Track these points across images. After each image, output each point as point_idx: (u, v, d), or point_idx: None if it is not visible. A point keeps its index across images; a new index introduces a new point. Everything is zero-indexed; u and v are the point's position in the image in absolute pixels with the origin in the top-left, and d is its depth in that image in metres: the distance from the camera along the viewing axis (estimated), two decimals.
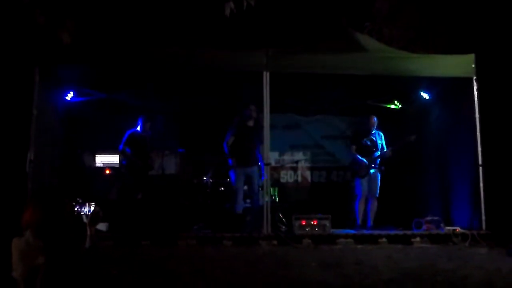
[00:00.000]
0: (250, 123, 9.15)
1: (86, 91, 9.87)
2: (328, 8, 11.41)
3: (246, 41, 8.68)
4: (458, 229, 8.23)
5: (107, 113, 10.42)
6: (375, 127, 9.57)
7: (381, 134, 9.69)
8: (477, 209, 8.30)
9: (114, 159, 10.29)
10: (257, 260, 6.54)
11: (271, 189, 9.08)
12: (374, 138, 9.51)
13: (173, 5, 10.32)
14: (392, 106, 11.08)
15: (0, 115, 7.97)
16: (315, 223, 8.25)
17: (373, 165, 9.33)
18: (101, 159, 10.57)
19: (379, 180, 9.39)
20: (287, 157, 11.54)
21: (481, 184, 8.26)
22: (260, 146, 8.84)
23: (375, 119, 9.58)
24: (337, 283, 5.28)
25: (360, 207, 9.28)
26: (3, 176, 7.71)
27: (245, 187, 9.26)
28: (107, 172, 10.45)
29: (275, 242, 7.89)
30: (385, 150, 9.47)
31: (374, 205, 9.28)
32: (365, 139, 9.47)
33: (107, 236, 7.67)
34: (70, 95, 9.64)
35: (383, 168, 9.37)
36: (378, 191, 9.33)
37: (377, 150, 9.45)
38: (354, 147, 9.53)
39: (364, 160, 9.31)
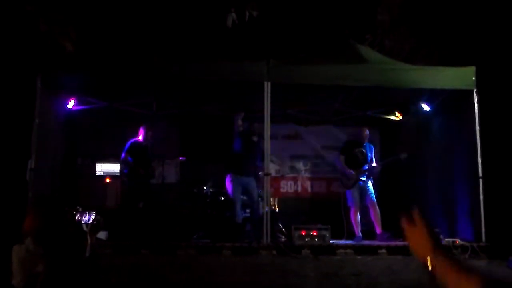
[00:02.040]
0: (254, 138, 9.18)
1: (87, 99, 9.89)
2: (329, 19, 11.46)
3: (248, 52, 8.72)
4: (457, 241, 8.22)
5: (109, 122, 10.44)
6: (367, 139, 9.61)
7: (372, 147, 9.73)
8: (477, 221, 8.29)
9: (115, 167, 10.29)
10: (257, 269, 6.54)
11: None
12: (365, 151, 9.53)
13: (175, 15, 10.37)
14: (393, 118, 11.10)
15: (2, 123, 8.00)
16: (315, 233, 8.24)
17: (361, 177, 9.34)
18: (101, 168, 10.58)
19: (372, 187, 9.40)
20: (287, 167, 11.54)
21: (481, 197, 8.26)
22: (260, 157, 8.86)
23: (368, 131, 9.61)
24: None
25: (356, 218, 9.28)
26: (3, 184, 7.72)
27: (244, 197, 9.29)
28: (108, 180, 10.46)
29: (274, 252, 7.88)
30: (374, 165, 9.49)
31: (376, 212, 9.25)
32: (355, 151, 9.49)
33: (107, 245, 7.68)
34: (71, 103, 9.66)
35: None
36: (374, 198, 9.33)
37: (366, 163, 9.47)
38: (343, 157, 9.54)
39: (352, 171, 9.33)
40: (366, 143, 9.59)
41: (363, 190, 9.35)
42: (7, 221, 6.29)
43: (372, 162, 9.55)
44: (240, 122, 9.19)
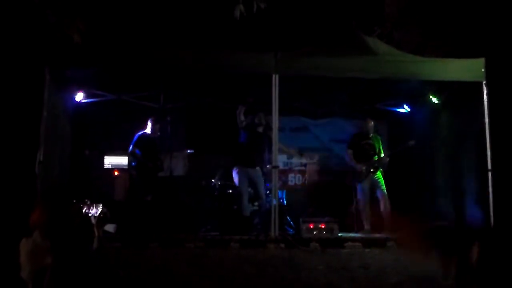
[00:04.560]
0: (260, 129, 9.17)
1: (95, 92, 9.90)
2: (337, 11, 11.41)
3: (256, 44, 8.68)
4: None
5: (117, 115, 10.44)
6: (373, 130, 9.58)
7: (379, 138, 9.71)
8: (486, 213, 8.24)
9: (123, 160, 10.30)
10: (265, 262, 6.53)
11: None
12: (372, 142, 9.51)
13: (183, 7, 10.35)
14: (401, 110, 11.06)
15: (11, 116, 8.00)
16: (323, 226, 8.25)
17: (371, 170, 9.32)
18: (109, 161, 10.57)
19: (382, 180, 9.38)
20: (295, 160, 11.51)
21: (490, 189, 8.22)
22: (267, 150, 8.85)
23: (372, 122, 9.59)
24: (344, 286, 5.27)
25: (365, 211, 9.27)
26: (13, 176, 7.74)
27: (251, 190, 9.27)
28: (116, 173, 10.46)
29: (282, 245, 7.87)
30: (383, 156, 9.47)
31: (386, 205, 9.24)
32: (362, 143, 9.47)
33: (115, 238, 7.69)
34: (80, 96, 9.67)
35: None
36: (385, 190, 9.30)
37: (375, 154, 9.44)
38: (351, 151, 9.53)
39: (361, 165, 9.33)
40: (372, 135, 9.58)
41: (374, 183, 9.34)
42: (17, 214, 6.30)
43: (381, 153, 9.52)
44: (242, 116, 9.15)
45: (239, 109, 9.11)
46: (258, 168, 8.98)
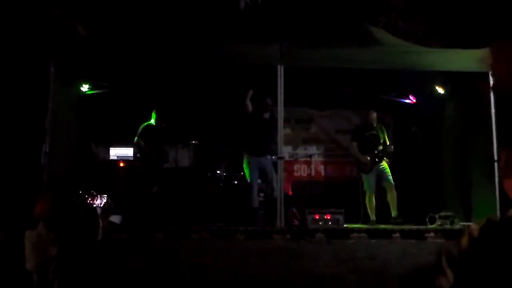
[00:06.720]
0: (266, 115, 9.14)
1: (101, 83, 9.90)
2: (343, 1, 11.34)
3: (261, 35, 8.65)
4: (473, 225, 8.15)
5: (122, 106, 10.45)
6: (376, 121, 9.55)
7: (383, 128, 9.67)
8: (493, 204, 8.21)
9: (128, 151, 10.32)
10: (270, 253, 6.54)
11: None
12: (376, 133, 9.49)
13: None
14: (407, 101, 11.02)
15: (16, 108, 8.02)
16: (329, 217, 8.22)
17: (376, 160, 9.30)
18: (115, 152, 10.60)
19: (388, 169, 9.37)
20: (300, 151, 11.51)
21: (497, 179, 8.19)
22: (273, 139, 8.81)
23: (375, 113, 9.56)
24: (350, 277, 5.27)
25: (371, 202, 9.26)
26: (19, 168, 7.76)
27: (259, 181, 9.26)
28: (121, 165, 10.49)
29: (288, 236, 7.88)
30: (388, 144, 9.45)
31: (393, 195, 9.21)
32: (367, 134, 9.45)
33: (121, 229, 7.71)
34: (85, 87, 9.67)
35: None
36: (391, 180, 9.29)
37: (379, 144, 9.42)
38: (355, 143, 9.51)
39: (366, 157, 9.31)
40: (376, 125, 9.56)
41: (380, 174, 9.32)
42: (23, 206, 6.32)
43: (386, 143, 9.51)
44: (248, 101, 9.07)
45: (247, 94, 9.06)
46: (269, 157, 8.93)
